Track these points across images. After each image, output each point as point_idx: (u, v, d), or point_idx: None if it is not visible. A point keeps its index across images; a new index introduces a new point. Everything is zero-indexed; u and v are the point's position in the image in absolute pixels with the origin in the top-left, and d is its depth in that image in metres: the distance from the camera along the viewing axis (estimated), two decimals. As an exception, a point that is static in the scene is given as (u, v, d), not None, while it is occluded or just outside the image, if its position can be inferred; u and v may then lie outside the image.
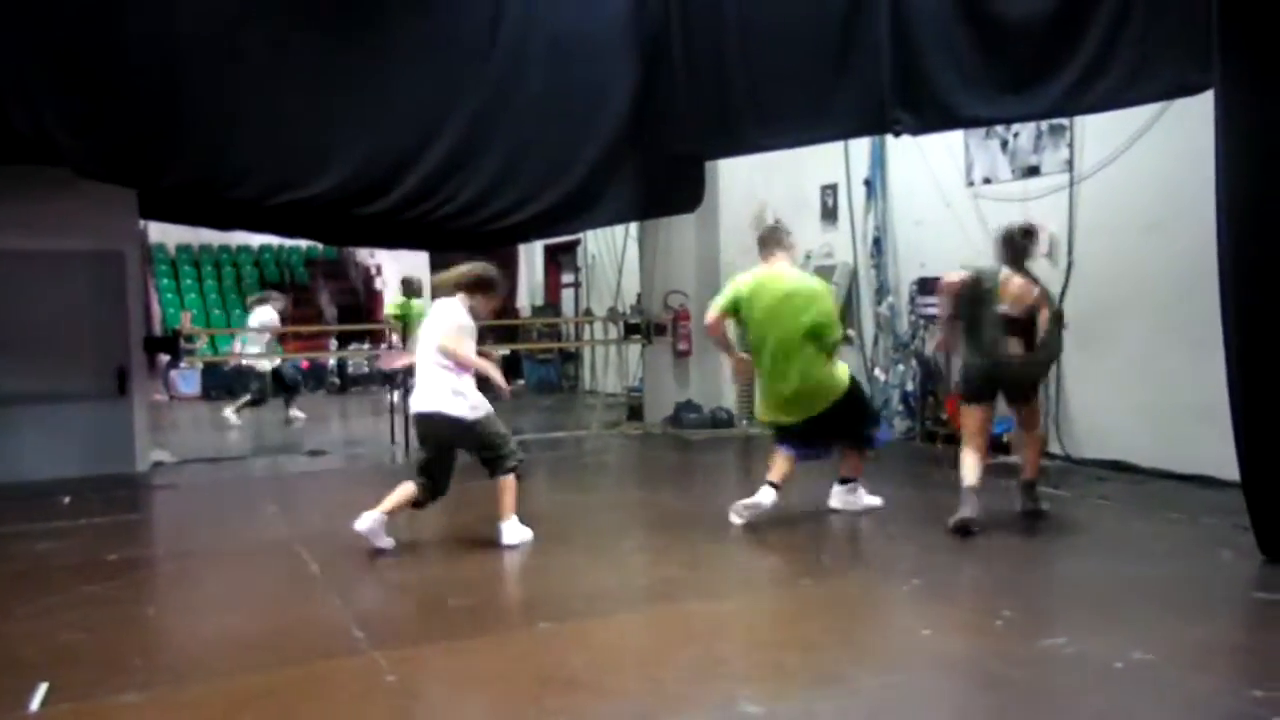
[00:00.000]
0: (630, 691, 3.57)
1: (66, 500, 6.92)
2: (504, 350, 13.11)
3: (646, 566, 5.24)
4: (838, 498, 6.00)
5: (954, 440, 8.13)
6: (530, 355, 14.83)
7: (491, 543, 5.43)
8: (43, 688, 3.52)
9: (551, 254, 15.90)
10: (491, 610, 4.41)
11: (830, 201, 9.86)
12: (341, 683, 3.65)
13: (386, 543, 5.32)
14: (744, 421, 10.04)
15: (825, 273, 9.69)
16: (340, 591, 4.78)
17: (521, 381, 15.30)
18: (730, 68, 8.12)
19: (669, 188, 8.95)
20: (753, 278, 5.86)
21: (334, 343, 15.74)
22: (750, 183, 10.44)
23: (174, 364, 12.59)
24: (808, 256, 10.01)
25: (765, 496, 5.74)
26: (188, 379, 14.59)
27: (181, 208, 8.63)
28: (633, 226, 11.57)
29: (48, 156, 6.82)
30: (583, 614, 4.40)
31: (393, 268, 17.15)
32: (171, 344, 11.43)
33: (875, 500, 6.02)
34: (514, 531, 5.40)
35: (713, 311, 5.88)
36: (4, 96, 6.51)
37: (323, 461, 8.89)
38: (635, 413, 10.81)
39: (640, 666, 3.86)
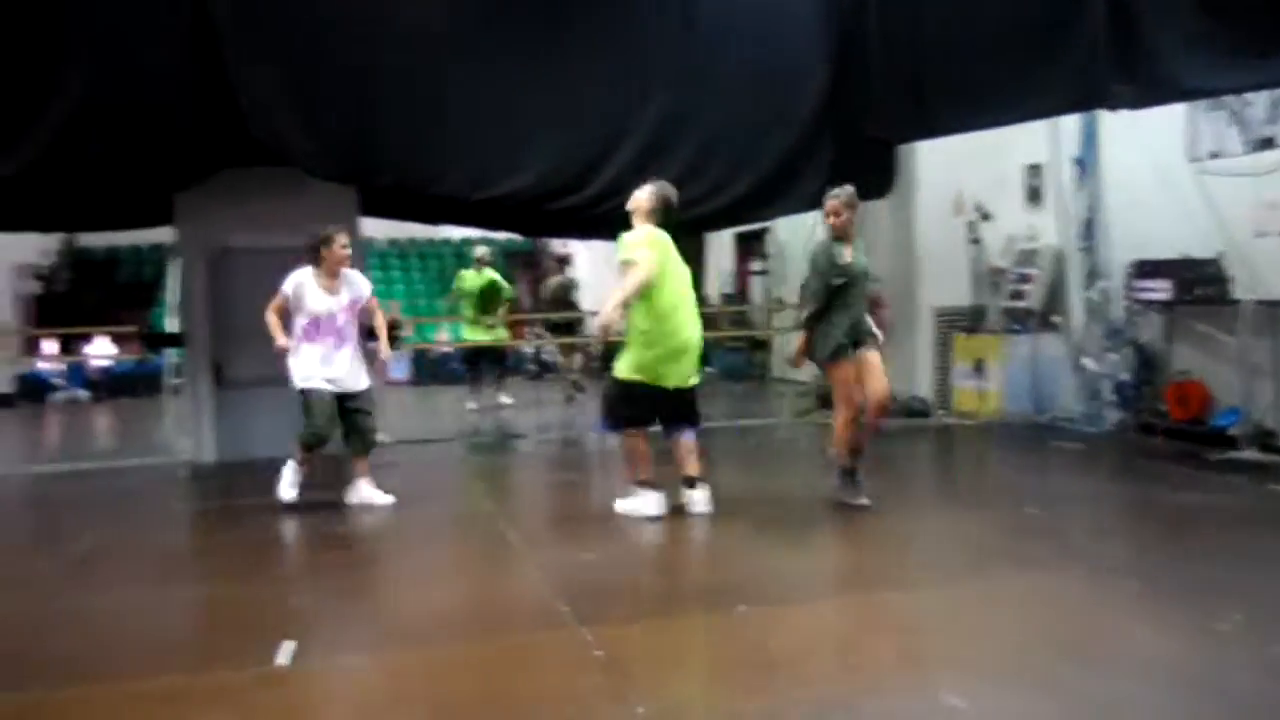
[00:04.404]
0: (829, 677, 3.56)
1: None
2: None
3: (842, 554, 5.19)
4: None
5: (1174, 433, 7.66)
6: (719, 343, 14.88)
7: (677, 522, 5.51)
8: (290, 645, 3.82)
9: (740, 241, 15.88)
10: (689, 592, 4.48)
11: (1035, 183, 9.41)
12: (552, 655, 3.81)
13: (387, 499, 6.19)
14: (940, 411, 9.76)
15: (1029, 256, 9.29)
16: (542, 566, 4.98)
17: (711, 369, 15.38)
18: (929, 45, 7.87)
19: (859, 173, 8.77)
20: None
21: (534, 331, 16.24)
22: (948, 164, 10.08)
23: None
24: (1009, 240, 9.61)
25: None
26: (398, 365, 15.46)
27: (396, 204, 9.19)
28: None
29: (279, 159, 7.39)
30: (779, 599, 4.41)
31: (585, 257, 17.58)
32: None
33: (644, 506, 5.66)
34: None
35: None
36: (241, 106, 7.10)
37: (520, 444, 9.31)
38: (825, 401, 10.64)
39: (838, 653, 3.85)
